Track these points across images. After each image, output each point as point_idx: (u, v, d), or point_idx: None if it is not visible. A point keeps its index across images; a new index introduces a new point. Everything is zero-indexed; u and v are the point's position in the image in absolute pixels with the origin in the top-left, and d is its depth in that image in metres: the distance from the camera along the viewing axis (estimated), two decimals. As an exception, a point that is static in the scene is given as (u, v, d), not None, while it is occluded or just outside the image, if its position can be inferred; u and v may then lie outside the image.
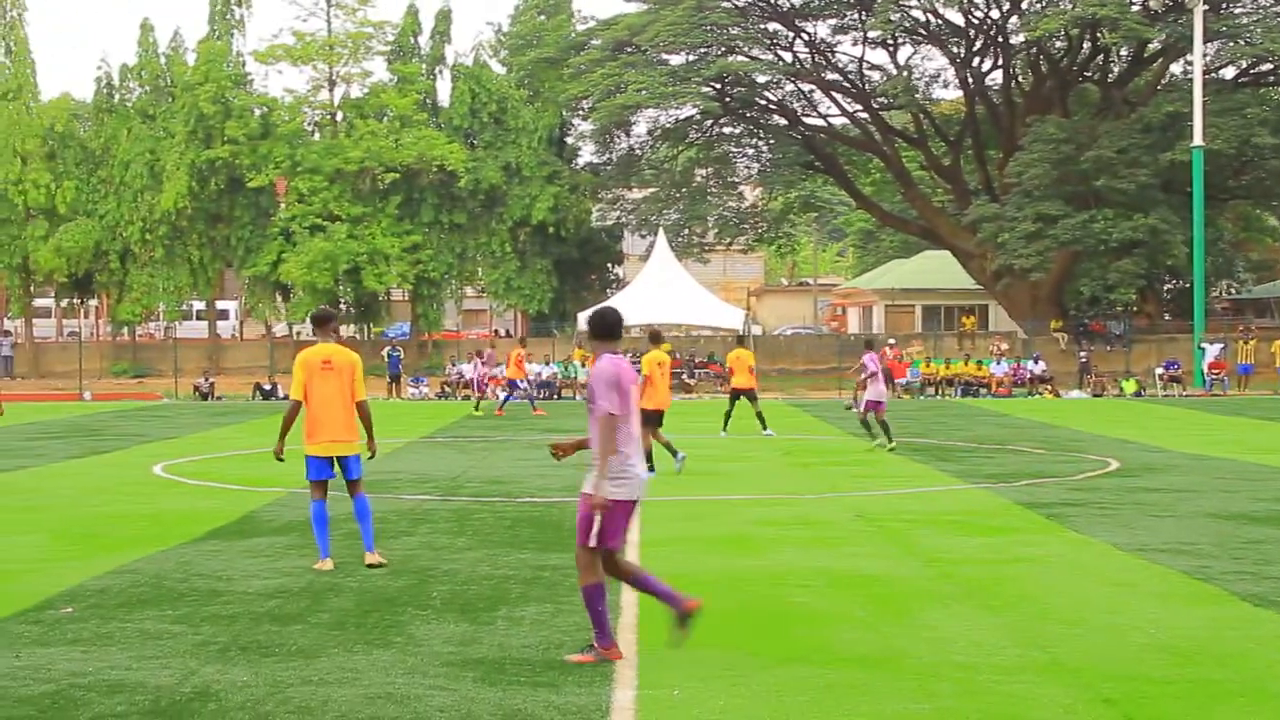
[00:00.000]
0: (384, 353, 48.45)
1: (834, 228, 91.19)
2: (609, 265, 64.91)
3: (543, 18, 62.76)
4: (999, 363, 47.84)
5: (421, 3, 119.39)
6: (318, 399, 11.50)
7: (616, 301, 52.26)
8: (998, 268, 51.85)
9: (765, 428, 26.74)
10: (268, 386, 46.67)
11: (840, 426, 30.36)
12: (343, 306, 58.36)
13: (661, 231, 53.32)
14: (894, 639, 9.12)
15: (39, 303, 65.01)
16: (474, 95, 58.24)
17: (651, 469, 19.94)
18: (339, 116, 58.82)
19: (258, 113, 57.26)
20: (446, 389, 47.35)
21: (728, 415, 27.31)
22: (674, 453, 20.00)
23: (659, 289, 47.93)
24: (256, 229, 57.22)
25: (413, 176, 56.35)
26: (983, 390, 46.47)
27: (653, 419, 19.37)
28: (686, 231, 58.37)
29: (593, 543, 8.30)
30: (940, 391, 46.69)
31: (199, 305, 64.27)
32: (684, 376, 48.64)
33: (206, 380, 46.80)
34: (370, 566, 11.56)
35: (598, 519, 8.24)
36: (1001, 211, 50.79)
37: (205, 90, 55.36)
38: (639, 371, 19.74)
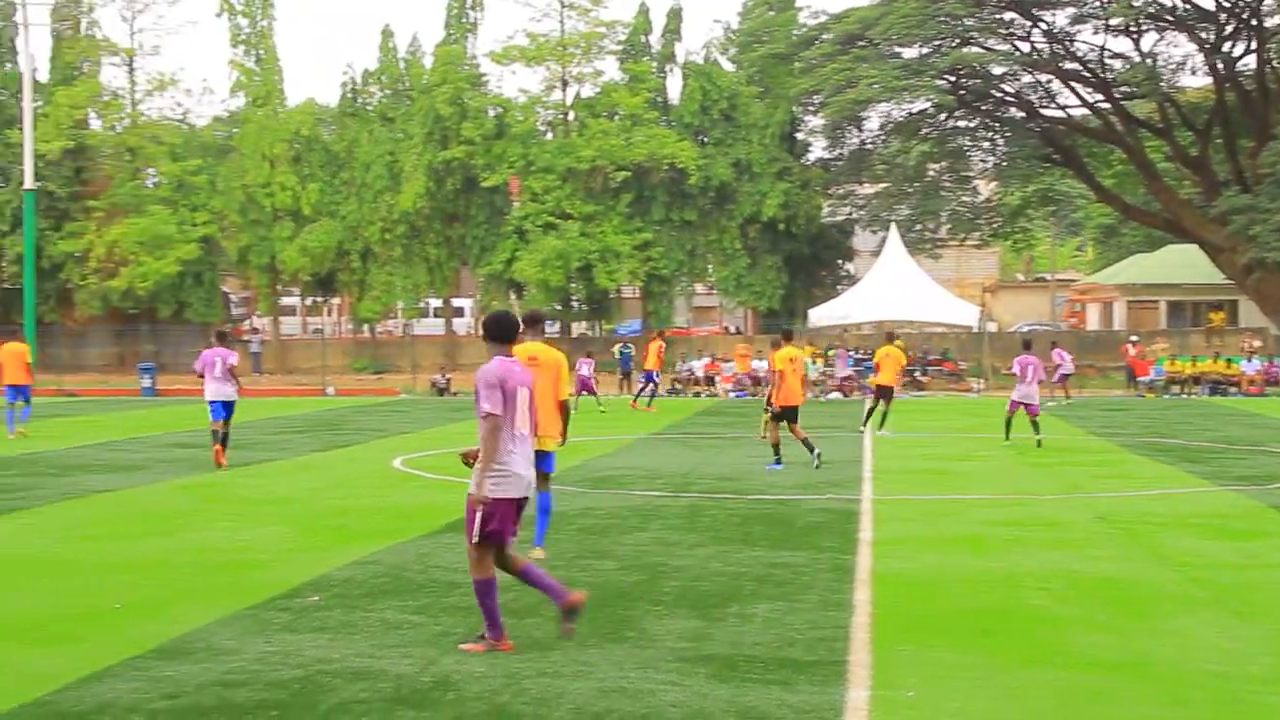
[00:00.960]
0: (615, 350, 48.89)
1: (1072, 222, 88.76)
2: (839, 262, 64.35)
3: (772, 13, 62.54)
4: (1250, 360, 45.93)
5: (653, 1, 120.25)
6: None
7: (847, 298, 51.90)
8: (1249, 261, 49.72)
9: (882, 428, 27.00)
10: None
11: (1081, 425, 29.52)
12: (574, 304, 59.11)
13: (894, 227, 52.67)
14: (1138, 644, 8.81)
15: (285, 301, 67.45)
16: (704, 92, 58.36)
17: (779, 461, 19.98)
18: (571, 116, 59.58)
19: (492, 113, 58.34)
20: (677, 386, 47.55)
21: (870, 412, 27.90)
22: (810, 449, 20.11)
23: (891, 286, 47.39)
24: (491, 228, 58.33)
25: (643, 174, 56.75)
26: (1232, 389, 44.69)
27: (786, 415, 19.94)
28: (919, 227, 57.43)
29: (475, 539, 8.50)
30: (1186, 390, 45.07)
31: (436, 303, 65.87)
32: (916, 374, 47.95)
33: (443, 376, 47.90)
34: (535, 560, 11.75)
35: (479, 517, 8.44)
36: (1254, 203, 48.71)
37: (442, 92, 56.66)
38: (772, 368, 20.36)
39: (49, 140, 56.92)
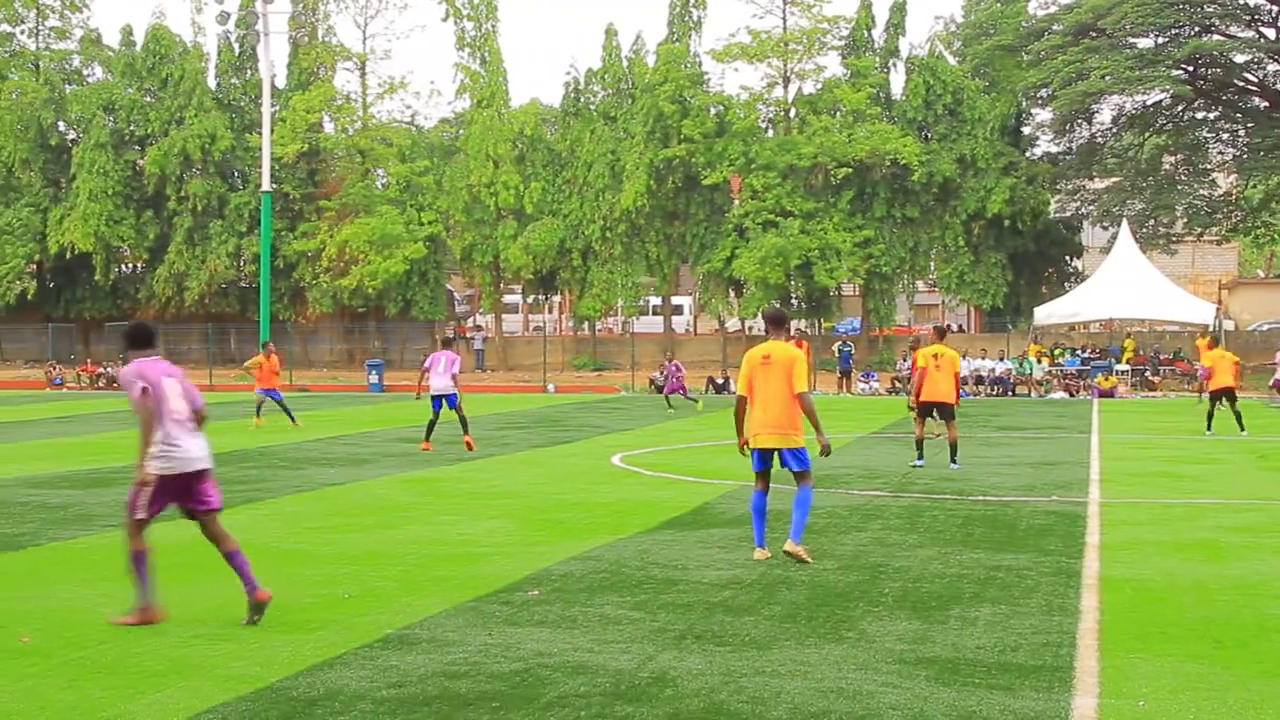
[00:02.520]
0: (835, 348, 48.51)
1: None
2: (1067, 258, 62.69)
3: (999, 5, 61.35)
4: None
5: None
6: (760, 393, 11.70)
7: (1075, 295, 50.55)
8: None
9: (1243, 429, 26.45)
10: (720, 380, 47.61)
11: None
12: (794, 302, 58.84)
13: (1125, 223, 51.12)
14: (1390, 661, 8.35)
15: (507, 299, 68.64)
16: (928, 87, 57.48)
17: (920, 460, 19.81)
18: (792, 113, 59.30)
19: (713, 111, 58.41)
20: (897, 384, 46.98)
21: (1210, 416, 27.29)
22: (952, 454, 19.89)
23: (1121, 282, 46.00)
24: (710, 225, 58.41)
25: (865, 171, 56.18)
26: None
27: (926, 410, 19.87)
28: (1152, 222, 55.63)
29: (138, 515, 9.26)
30: None
31: (655, 300, 66.29)
32: (1146, 374, 46.50)
33: (662, 374, 48.14)
34: (787, 554, 11.61)
35: (140, 493, 9.19)
36: None
37: (664, 90, 56.97)
38: (914, 366, 20.40)
39: (285, 144, 59.04)
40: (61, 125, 65.57)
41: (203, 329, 61.35)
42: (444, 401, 23.42)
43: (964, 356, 47.37)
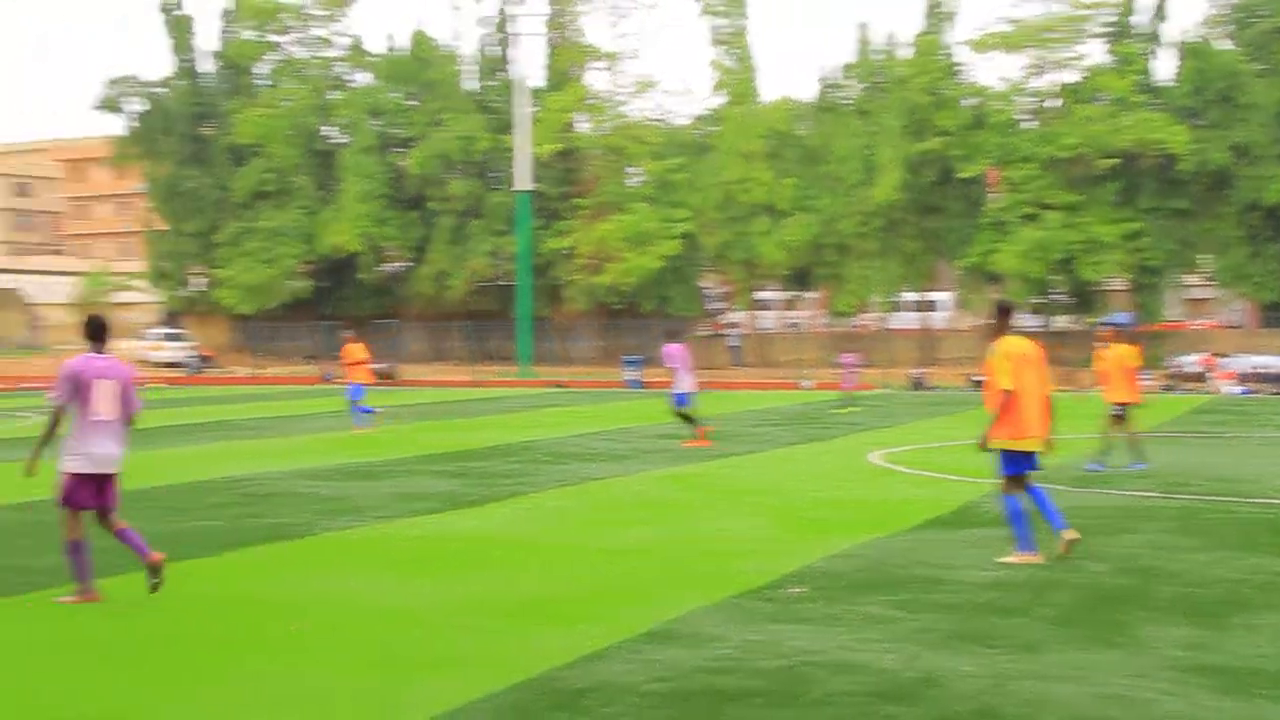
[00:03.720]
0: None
1: None
2: (1352, 248, 59.49)
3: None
4: None
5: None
6: (1028, 392, 11.35)
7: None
8: None
9: None
10: (979, 378, 46.67)
11: None
12: (1056, 296, 57.29)
13: None
14: None
15: (761, 295, 68.55)
16: (1199, 73, 55.21)
17: (1140, 462, 19.01)
18: (1053, 103, 57.71)
19: (969, 103, 57.29)
20: (1170, 382, 45.26)
21: None
22: (1106, 452, 19.15)
23: None
24: (967, 220, 57.29)
25: (1131, 161, 54.34)
26: None
27: (1118, 412, 19.17)
28: None
29: (60, 505, 9.89)
30: None
31: (911, 296, 65.35)
32: None
33: (920, 371, 47.49)
34: (1070, 543, 11.34)
35: (63, 487, 9.83)
36: None
37: (918, 83, 56.14)
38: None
39: (541, 144, 60.14)
40: (329, 130, 68.12)
41: (463, 326, 62.99)
42: (685, 397, 23.85)
43: (1241, 354, 45.49)
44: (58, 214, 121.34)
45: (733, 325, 67.61)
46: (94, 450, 9.92)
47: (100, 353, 10.12)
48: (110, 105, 69.41)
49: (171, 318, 72.38)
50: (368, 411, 27.67)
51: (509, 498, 16.30)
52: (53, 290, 78.48)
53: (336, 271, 68.21)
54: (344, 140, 67.46)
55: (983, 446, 11.57)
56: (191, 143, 69.24)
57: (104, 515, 10.18)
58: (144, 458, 22.12)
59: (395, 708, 7.24)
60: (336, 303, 68.23)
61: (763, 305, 69.26)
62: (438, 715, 7.03)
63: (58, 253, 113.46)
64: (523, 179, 57.52)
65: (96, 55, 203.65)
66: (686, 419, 24.07)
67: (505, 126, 63.35)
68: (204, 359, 63.62)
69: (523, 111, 57.16)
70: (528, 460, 21.14)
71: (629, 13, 67.94)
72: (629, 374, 50.50)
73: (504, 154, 63.05)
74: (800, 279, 62.82)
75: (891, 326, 63.55)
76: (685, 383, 23.90)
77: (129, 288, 77.70)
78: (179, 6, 69.92)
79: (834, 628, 9.00)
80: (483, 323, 64.74)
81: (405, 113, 66.08)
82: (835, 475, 18.85)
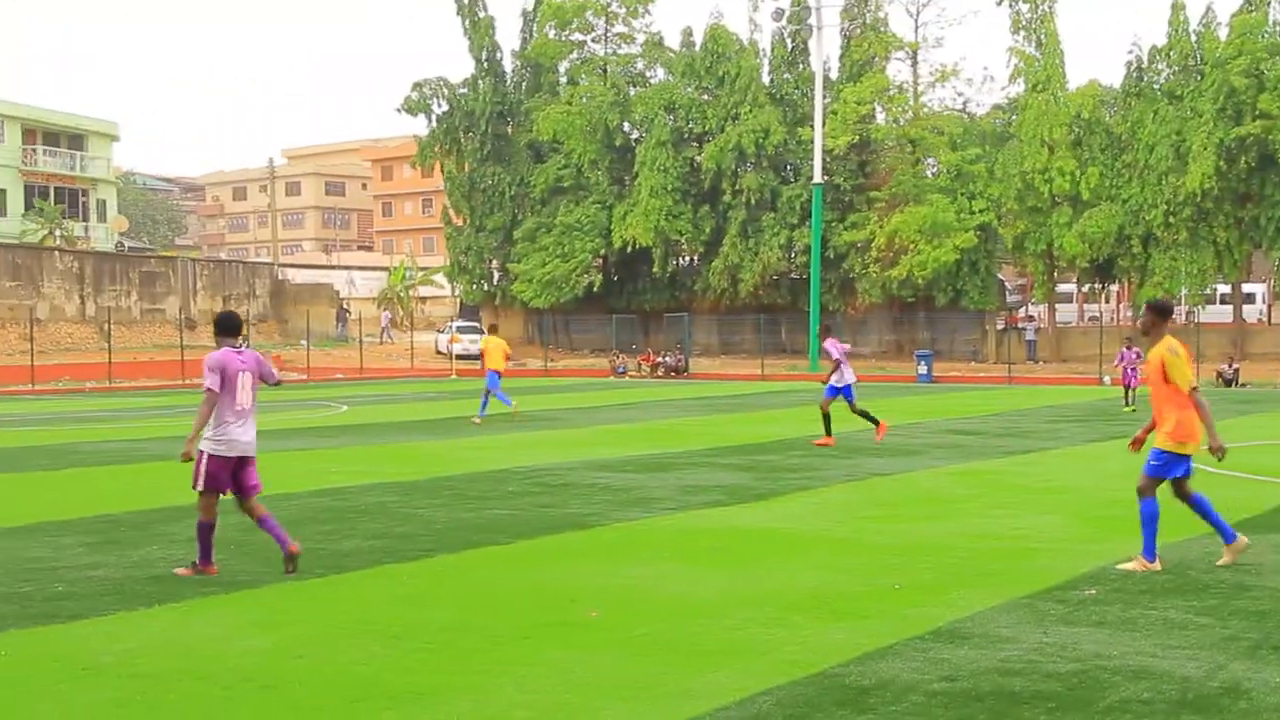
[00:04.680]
0: None
1: None
2: None
3: None
4: None
5: None
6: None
7: None
8: None
9: None
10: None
11: None
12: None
13: None
14: None
15: (1061, 288, 66.57)
16: None
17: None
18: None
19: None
20: None
21: None
22: None
23: None
24: (1288, 207, 54.37)
25: None
26: None
27: None
28: None
29: (197, 488, 10.59)
30: None
31: (1223, 289, 62.40)
32: None
33: (1230, 366, 45.42)
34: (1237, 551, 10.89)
35: (201, 469, 10.53)
36: None
37: (1237, 64, 53.49)
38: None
39: (836, 136, 59.76)
40: (626, 126, 69.18)
41: (755, 319, 63.10)
42: (848, 390, 23.07)
43: None
44: (366, 211, 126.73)
45: (1029, 319, 65.85)
46: (236, 437, 10.64)
47: (235, 347, 10.80)
48: (416, 107, 72.06)
49: (469, 311, 74.76)
50: (504, 399, 29.47)
51: (795, 492, 16.25)
52: (360, 285, 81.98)
53: (629, 265, 69.27)
54: (640, 136, 68.37)
55: (1217, 453, 10.85)
56: (492, 141, 71.35)
57: (244, 498, 10.81)
58: (443, 447, 22.95)
59: (681, 695, 7.27)
60: (628, 296, 69.27)
61: (1063, 298, 67.25)
62: (722, 706, 7.03)
63: (366, 248, 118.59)
64: (817, 171, 57.24)
65: (404, 58, 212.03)
66: (869, 419, 23.15)
67: (800, 119, 63.17)
68: (504, 351, 65.33)
69: (819, 104, 56.87)
70: (815, 454, 21.04)
71: (930, 1, 66.75)
72: (921, 368, 49.77)
73: (798, 147, 62.88)
74: (1102, 271, 60.70)
75: (1200, 320, 60.79)
76: (846, 376, 23.13)
77: (430, 282, 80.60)
78: (481, 9, 72.10)
79: (1130, 632, 8.64)
80: (773, 316, 64.77)
81: (700, 107, 66.56)
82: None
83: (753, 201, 64.15)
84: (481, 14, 72.13)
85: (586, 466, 19.22)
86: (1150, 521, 10.87)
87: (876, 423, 23.02)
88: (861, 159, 63.60)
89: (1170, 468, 10.92)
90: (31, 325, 55.73)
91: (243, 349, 10.86)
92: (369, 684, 7.53)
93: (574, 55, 72.00)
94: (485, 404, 29.47)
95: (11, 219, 79.36)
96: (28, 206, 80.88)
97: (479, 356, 31.03)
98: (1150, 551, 10.86)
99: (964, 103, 65.00)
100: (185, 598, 9.92)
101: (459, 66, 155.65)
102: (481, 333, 66.89)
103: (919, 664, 7.85)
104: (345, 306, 78.63)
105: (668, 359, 58.68)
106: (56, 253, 69.36)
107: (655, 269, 67.12)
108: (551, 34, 70.67)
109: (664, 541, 12.57)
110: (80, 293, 66.33)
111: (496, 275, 73.44)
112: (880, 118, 64.34)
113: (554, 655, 8.19)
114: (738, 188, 64.38)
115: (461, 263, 73.15)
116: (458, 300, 77.46)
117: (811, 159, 58.19)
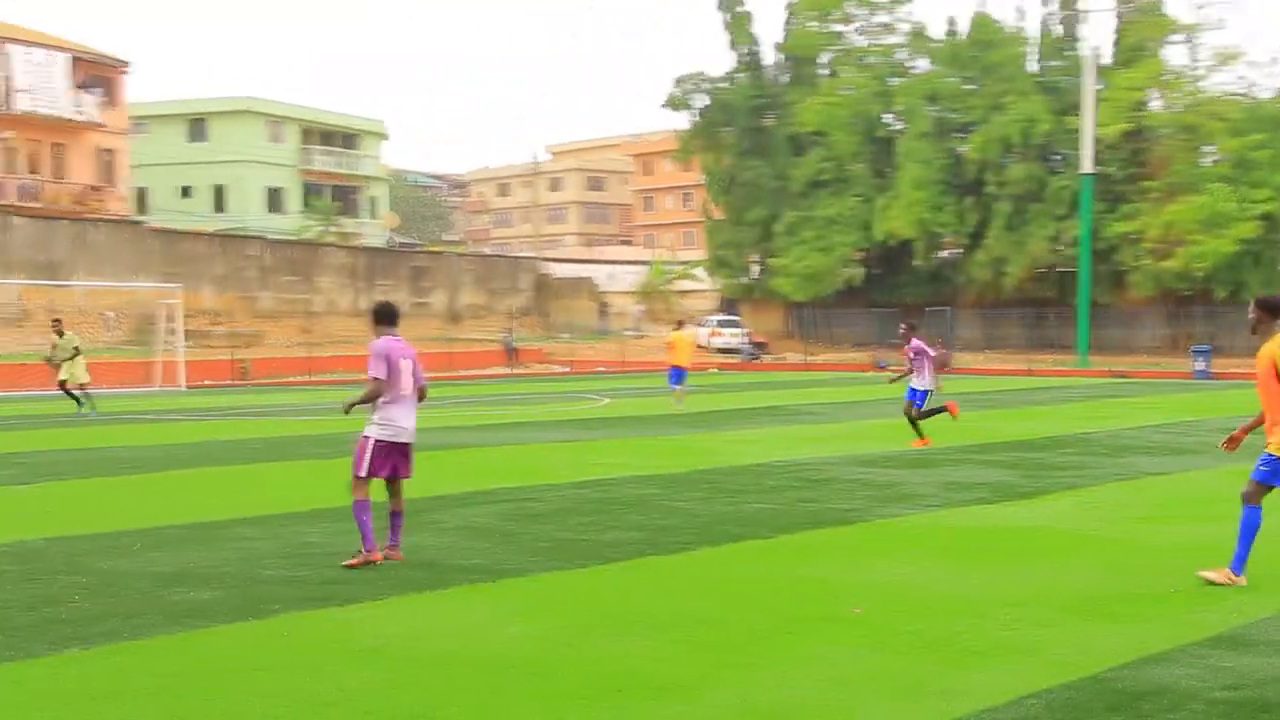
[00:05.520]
0: None
1: None
2: None
3: None
4: None
5: None
6: None
7: None
8: None
9: None
10: None
11: None
12: None
13: None
14: None
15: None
16: None
17: None
18: None
19: None
20: None
21: None
22: None
23: None
24: None
25: None
26: None
27: None
28: None
29: (359, 471, 10.84)
30: None
31: None
32: None
33: None
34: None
35: (366, 454, 10.82)
36: None
37: None
38: None
39: (1108, 124, 57.80)
40: (886, 117, 68.38)
41: (1020, 313, 61.69)
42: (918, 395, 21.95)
43: None
44: (627, 206, 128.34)
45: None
46: (400, 423, 10.95)
47: (394, 335, 11.02)
48: (677, 103, 72.65)
49: (728, 305, 74.97)
50: (684, 390, 30.99)
51: (1064, 490, 15.80)
52: (620, 279, 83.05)
53: (889, 258, 68.47)
54: (901, 127, 67.50)
55: None
56: (751, 134, 71.40)
57: (394, 483, 11.11)
58: (702, 440, 23.08)
59: (947, 695, 7.13)
60: (889, 290, 68.46)
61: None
62: (990, 707, 6.87)
63: (626, 243, 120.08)
64: (1086, 161, 55.56)
65: (664, 54, 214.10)
66: (926, 416, 22.08)
67: (1068, 108, 61.30)
68: (758, 346, 65.50)
69: (1089, 91, 55.18)
70: (1084, 452, 20.44)
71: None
72: (1198, 364, 47.84)
73: (1067, 136, 61.04)
74: None
75: None
76: (925, 379, 21.99)
77: (689, 276, 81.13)
78: (740, 3, 72.23)
79: None
80: (1039, 310, 63.21)
81: (964, 97, 65.30)
82: None
83: (1019, 192, 62.60)
84: (741, 8, 72.28)
85: (847, 461, 19.06)
86: (1248, 532, 10.04)
87: (921, 434, 21.77)
88: (1135, 147, 61.38)
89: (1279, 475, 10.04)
90: (307, 319, 58.04)
91: (401, 339, 11.12)
92: (631, 674, 7.59)
93: (835, 46, 71.47)
94: (678, 388, 31.04)
95: (290, 216, 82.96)
96: (305, 204, 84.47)
97: (667, 349, 32.40)
98: (1239, 565, 10.06)
99: (1248, 86, 62.09)
100: (454, 584, 10.17)
101: (720, 62, 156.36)
102: (738, 326, 67.20)
103: (1198, 671, 7.53)
104: (605, 301, 79.83)
105: (938, 352, 57.78)
106: (331, 248, 72.20)
107: (917, 262, 66.18)
108: (812, 26, 70.33)
109: (928, 538, 12.37)
110: (353, 287, 68.86)
111: (755, 269, 73.50)
112: (1156, 104, 62.03)
113: (816, 651, 8.12)
114: (1003, 179, 62.94)
115: (720, 256, 73.45)
116: (718, 294, 77.80)
117: (1081, 148, 56.47)
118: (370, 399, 10.94)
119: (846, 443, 22.10)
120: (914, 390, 21.95)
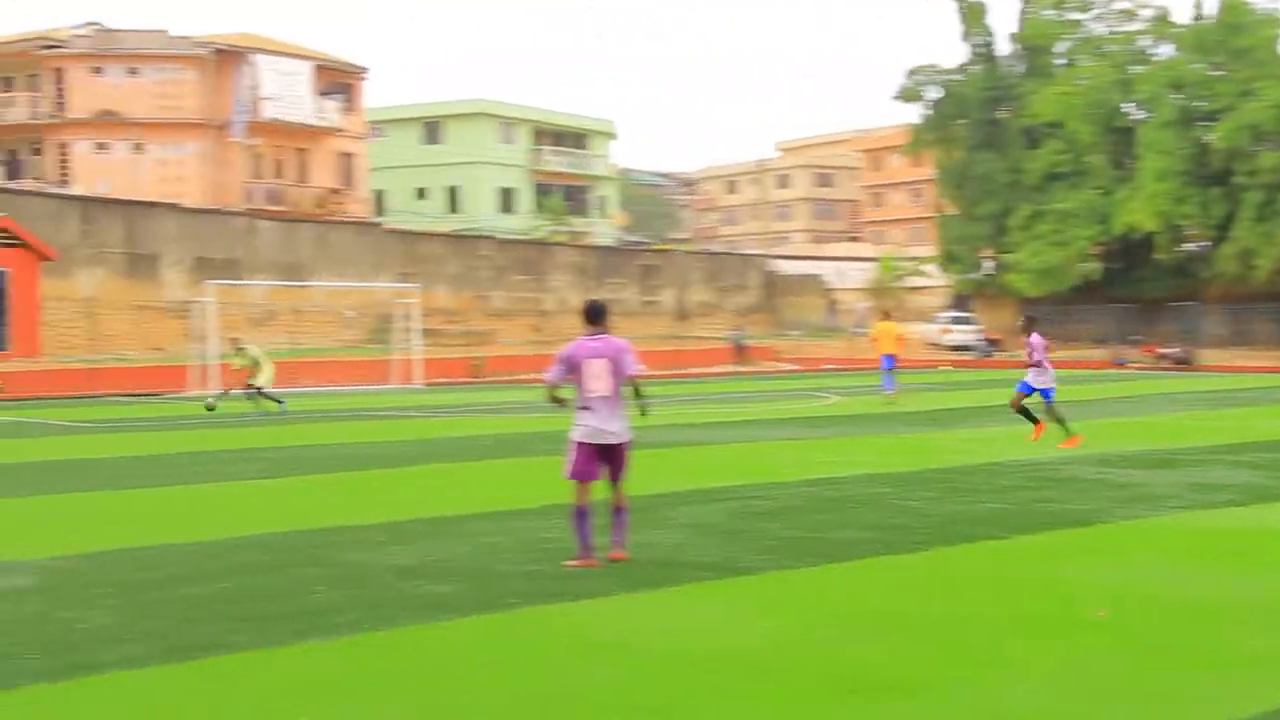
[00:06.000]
0: None
1: None
2: None
3: None
4: None
5: None
6: None
7: None
8: None
9: None
10: None
11: None
12: None
13: None
14: None
15: None
16: None
17: None
18: None
19: None
20: None
21: None
22: None
23: None
24: None
25: None
26: None
27: None
28: None
29: (564, 473, 10.92)
30: None
31: None
32: None
33: None
34: None
35: (568, 455, 10.83)
36: None
37: None
38: None
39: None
40: (1127, 107, 66.27)
41: (1270, 308, 59.21)
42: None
43: None
44: (856, 202, 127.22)
45: None
46: (591, 423, 10.79)
47: (596, 334, 10.81)
48: (910, 95, 71.68)
49: (960, 301, 73.64)
50: (889, 385, 32.12)
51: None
52: (849, 276, 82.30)
53: (1129, 252, 66.32)
54: (1143, 116, 65.30)
55: None
56: (985, 127, 69.94)
57: (614, 483, 11.05)
58: (933, 438, 22.71)
59: (1199, 703, 6.81)
60: (1129, 284, 66.27)
61: None
62: (1248, 716, 6.52)
63: (855, 239, 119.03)
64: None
65: (896, 46, 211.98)
66: (1029, 418, 21.13)
67: None
68: (991, 343, 64.21)
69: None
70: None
71: None
72: None
73: None
74: None
75: None
76: (1046, 377, 20.70)
77: (920, 273, 79.95)
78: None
79: None
80: (1292, 304, 60.54)
81: (1210, 84, 62.78)
82: None
83: (1270, 182, 59.86)
84: (972, -1, 70.91)
85: (1085, 461, 18.46)
86: None
87: (1036, 422, 21.06)
88: None
89: None
90: (538, 317, 58.95)
91: (601, 337, 10.91)
92: (864, 674, 7.43)
93: (1072, 35, 69.55)
94: (891, 381, 32.17)
95: (521, 216, 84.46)
96: (536, 204, 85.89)
97: (872, 342, 33.18)
98: None
99: None
100: (684, 582, 10.13)
101: (951, 54, 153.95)
102: (971, 323, 65.99)
103: None
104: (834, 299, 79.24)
105: (1174, 350, 55.84)
106: (561, 247, 73.22)
107: (1160, 256, 63.90)
108: (1048, 14, 68.62)
109: (1173, 541, 11.89)
110: (583, 286, 69.74)
111: (988, 264, 72.03)
112: None
113: (1058, 654, 7.84)
114: (1253, 168, 60.29)
115: (952, 252, 72.20)
116: (949, 290, 76.52)
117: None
118: (551, 400, 11.08)
119: (1086, 443, 21.44)
120: (1028, 385, 21.27)
